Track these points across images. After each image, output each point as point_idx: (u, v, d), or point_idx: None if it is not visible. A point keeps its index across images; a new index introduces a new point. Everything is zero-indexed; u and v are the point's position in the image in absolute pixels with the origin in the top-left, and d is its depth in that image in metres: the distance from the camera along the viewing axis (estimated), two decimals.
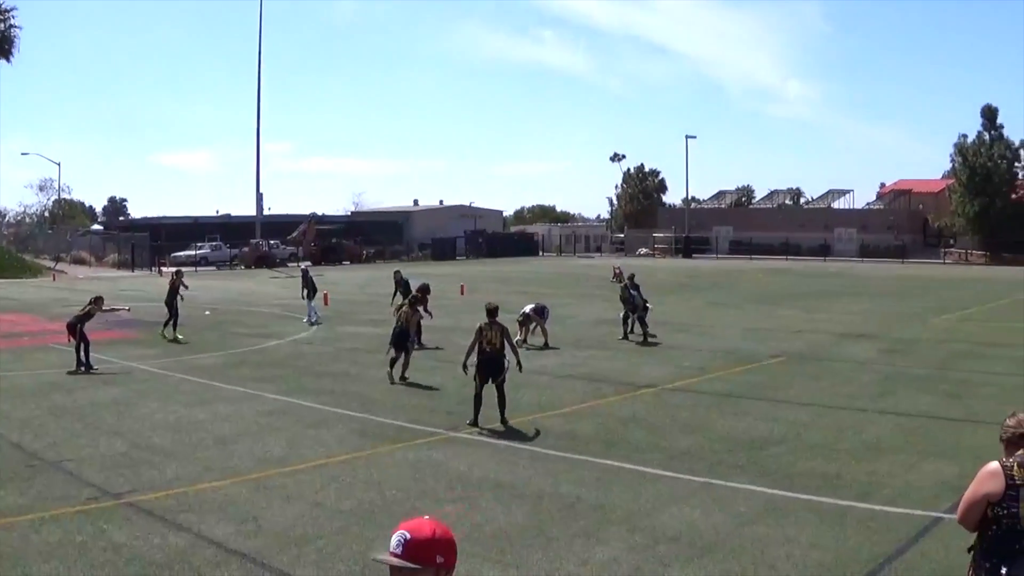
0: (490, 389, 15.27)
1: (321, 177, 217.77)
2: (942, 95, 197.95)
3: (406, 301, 22.15)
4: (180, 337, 26.38)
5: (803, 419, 15.81)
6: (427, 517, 3.45)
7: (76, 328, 20.97)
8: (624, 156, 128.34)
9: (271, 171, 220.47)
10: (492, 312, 15.67)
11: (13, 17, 78.38)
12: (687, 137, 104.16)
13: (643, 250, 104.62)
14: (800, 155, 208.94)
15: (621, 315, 26.92)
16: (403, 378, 19.61)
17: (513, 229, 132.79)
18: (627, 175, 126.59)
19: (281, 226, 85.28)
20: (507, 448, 13.87)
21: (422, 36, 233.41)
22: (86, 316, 21.51)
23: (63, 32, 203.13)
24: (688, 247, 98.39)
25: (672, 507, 10.89)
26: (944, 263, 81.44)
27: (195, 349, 24.58)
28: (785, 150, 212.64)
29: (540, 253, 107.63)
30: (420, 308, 21.78)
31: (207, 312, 33.98)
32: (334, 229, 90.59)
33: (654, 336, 26.05)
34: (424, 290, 24.83)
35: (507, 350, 15.54)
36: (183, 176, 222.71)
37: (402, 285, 30.26)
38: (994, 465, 5.55)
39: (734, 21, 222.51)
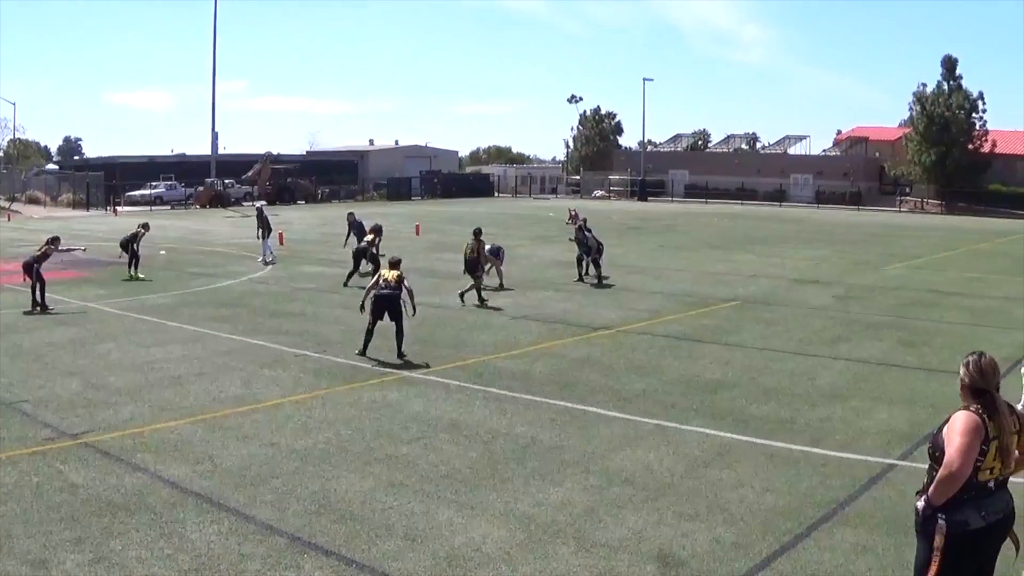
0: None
1: (277, 116, 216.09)
2: (902, 44, 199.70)
3: (473, 236, 22.98)
4: (142, 276, 26.60)
5: (757, 364, 15.98)
6: None
7: (32, 268, 20.78)
8: (581, 98, 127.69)
9: (227, 110, 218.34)
10: (395, 263, 16.74)
11: None
12: (644, 80, 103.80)
13: (599, 192, 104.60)
14: (757, 101, 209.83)
15: (576, 256, 27.02)
16: (481, 301, 22.13)
17: (469, 170, 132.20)
18: (584, 117, 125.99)
19: (236, 165, 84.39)
20: (462, 389, 13.96)
21: None
22: (42, 256, 21.33)
23: None
24: (644, 190, 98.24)
25: (626, 449, 11.04)
26: (900, 211, 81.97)
27: (151, 289, 24.43)
28: (742, 95, 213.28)
29: (496, 194, 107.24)
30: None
31: (162, 252, 33.71)
32: (289, 169, 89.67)
33: (607, 278, 26.24)
34: (376, 231, 24.81)
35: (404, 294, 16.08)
36: (138, 115, 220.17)
37: (355, 227, 30.16)
38: (975, 418, 5.59)
39: None
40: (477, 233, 22.94)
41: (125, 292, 23.75)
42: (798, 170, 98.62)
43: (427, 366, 15.37)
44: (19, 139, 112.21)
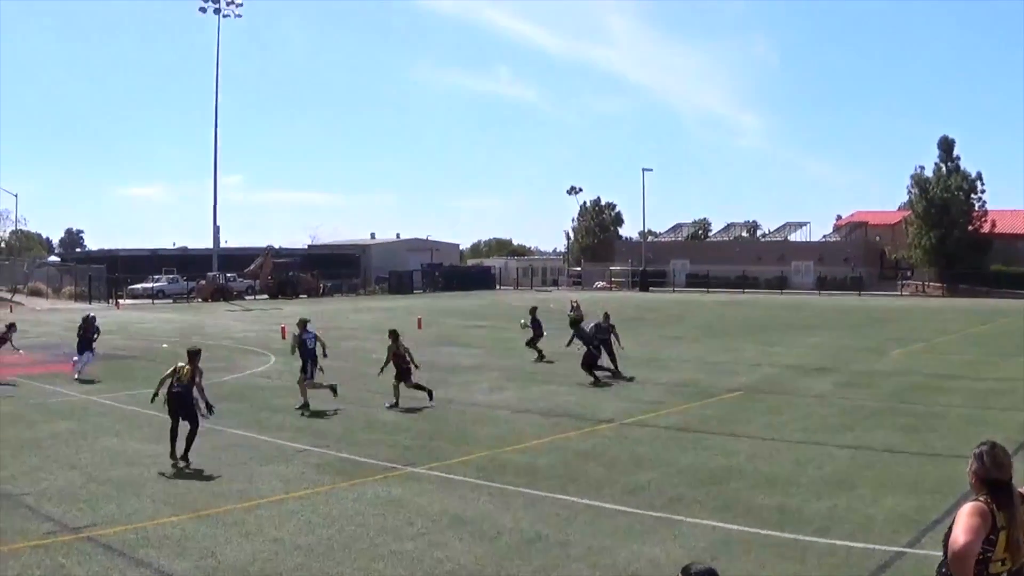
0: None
1: (277, 210, 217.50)
2: (898, 127, 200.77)
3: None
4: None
5: (762, 453, 15.88)
6: None
7: None
8: (581, 189, 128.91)
9: (227, 204, 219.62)
10: (192, 354, 15.76)
11: None
12: (643, 170, 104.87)
13: (600, 283, 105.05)
14: (757, 188, 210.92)
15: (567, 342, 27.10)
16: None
17: (470, 263, 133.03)
18: (584, 208, 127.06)
19: (238, 259, 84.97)
20: (466, 483, 13.86)
21: (376, 70, 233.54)
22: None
23: (19, 65, 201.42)
24: (645, 280, 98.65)
25: (632, 543, 10.92)
26: (901, 295, 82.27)
27: (153, 383, 24.32)
28: (741, 183, 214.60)
29: (497, 286, 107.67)
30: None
31: (164, 346, 33.76)
32: (291, 262, 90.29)
33: (608, 376, 25.58)
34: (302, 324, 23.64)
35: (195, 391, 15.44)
36: (140, 208, 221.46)
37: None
38: (983, 506, 5.57)
39: (686, 54, 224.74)
40: (394, 335, 21.83)
41: (126, 386, 23.73)
42: (799, 257, 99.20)
43: (431, 461, 15.27)
44: (21, 231, 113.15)
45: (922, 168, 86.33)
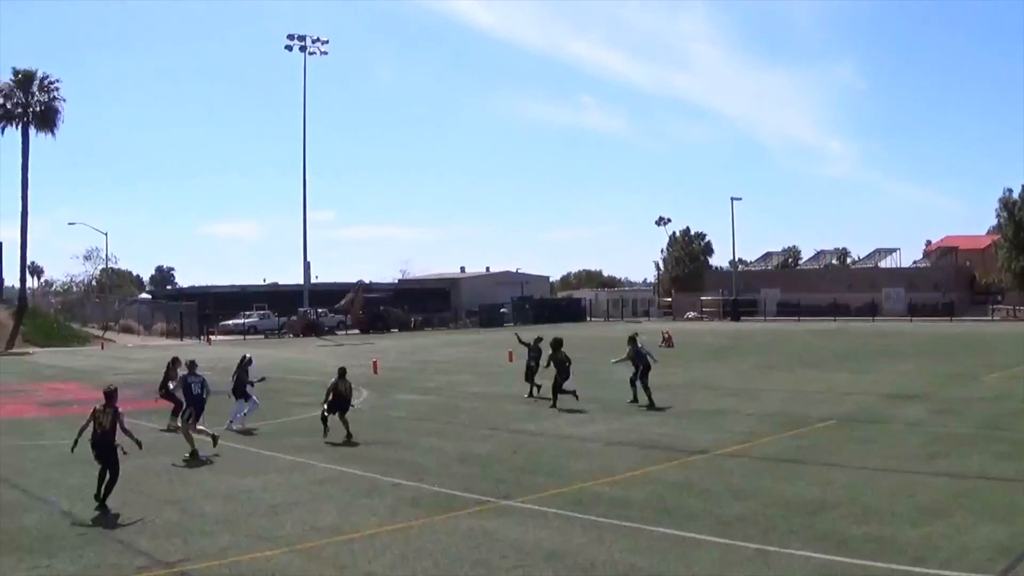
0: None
1: (366, 245, 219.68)
2: (986, 149, 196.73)
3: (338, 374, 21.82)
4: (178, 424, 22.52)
5: (855, 483, 15.51)
6: None
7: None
8: (669, 219, 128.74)
9: (316, 239, 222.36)
10: (109, 395, 14.98)
11: (56, 90, 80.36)
12: (732, 199, 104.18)
13: (691, 314, 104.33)
14: (846, 214, 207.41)
15: (629, 377, 26.68)
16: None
17: (560, 295, 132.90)
18: (673, 238, 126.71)
19: (328, 294, 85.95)
20: (560, 516, 13.63)
21: (462, 103, 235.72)
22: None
23: (109, 105, 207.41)
24: (736, 310, 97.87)
25: (726, 575, 10.67)
26: (992, 320, 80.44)
27: (247, 418, 24.56)
28: (830, 210, 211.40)
29: (587, 318, 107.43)
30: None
31: (260, 380, 33.99)
32: (382, 297, 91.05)
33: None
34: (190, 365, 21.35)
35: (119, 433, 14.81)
36: (230, 245, 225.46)
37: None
38: None
39: (770, 81, 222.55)
40: (341, 372, 21.87)
41: (220, 421, 23.88)
42: (889, 283, 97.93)
43: (525, 493, 15.07)
44: (112, 268, 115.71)
45: (1010, 191, 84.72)
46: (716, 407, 25.51)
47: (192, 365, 20.55)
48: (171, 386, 22.75)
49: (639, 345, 26.23)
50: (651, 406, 25.30)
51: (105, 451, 14.54)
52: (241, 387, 23.50)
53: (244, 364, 23.94)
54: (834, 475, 16.19)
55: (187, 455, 18.96)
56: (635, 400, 26.00)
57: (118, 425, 14.74)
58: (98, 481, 14.63)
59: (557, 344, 26.41)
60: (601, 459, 18.31)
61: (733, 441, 20.03)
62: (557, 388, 25.87)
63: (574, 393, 25.99)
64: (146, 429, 21.62)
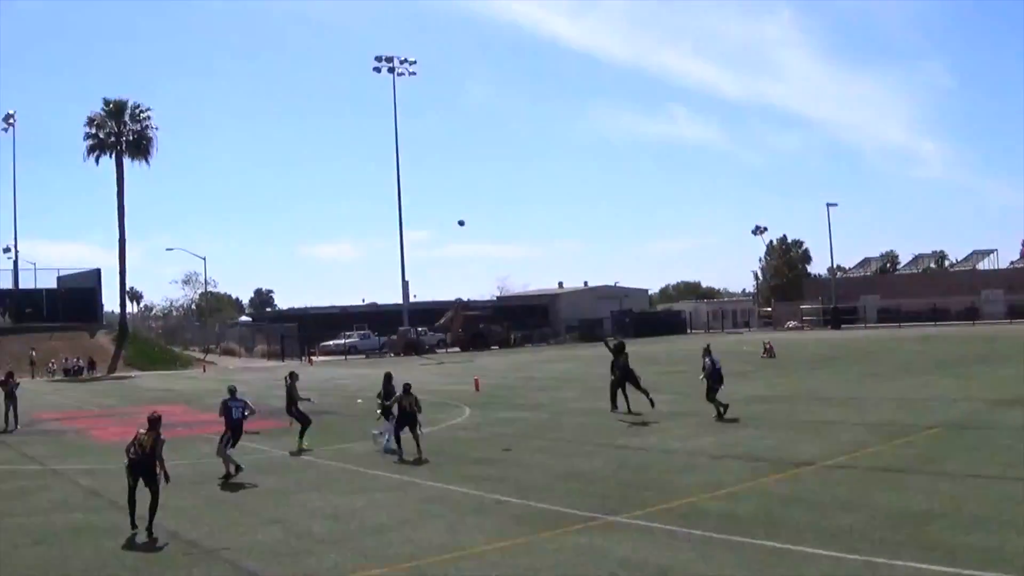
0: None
1: (463, 263, 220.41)
2: None
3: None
4: (306, 445, 23.30)
5: (963, 492, 15.04)
6: None
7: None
8: (766, 228, 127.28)
9: (413, 259, 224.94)
10: (152, 421, 14.67)
11: (148, 119, 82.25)
12: (828, 205, 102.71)
13: (791, 323, 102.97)
14: (942, 216, 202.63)
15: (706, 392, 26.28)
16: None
17: (659, 307, 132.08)
18: (770, 247, 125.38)
19: (427, 313, 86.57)
20: (667, 532, 13.37)
21: (553, 118, 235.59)
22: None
23: (205, 130, 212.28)
24: (837, 318, 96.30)
25: None
26: None
27: (350, 438, 24.69)
28: (926, 212, 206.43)
29: (688, 331, 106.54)
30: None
31: (359, 401, 34.22)
32: (481, 314, 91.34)
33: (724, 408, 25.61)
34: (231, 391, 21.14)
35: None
36: (328, 266, 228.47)
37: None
38: None
39: (859, 83, 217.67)
40: (406, 388, 21.92)
41: (324, 441, 24.00)
42: (988, 285, 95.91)
43: (632, 509, 14.81)
44: (211, 292, 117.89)
45: None
46: (821, 417, 25.02)
47: (233, 391, 20.35)
48: (298, 403, 23.44)
49: (712, 357, 26.20)
50: (719, 416, 25.25)
51: (147, 472, 14.28)
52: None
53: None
54: (941, 484, 15.73)
55: (222, 476, 19.02)
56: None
57: (156, 452, 14.39)
58: (129, 507, 14.37)
59: (619, 349, 27.96)
60: (707, 473, 17.98)
61: (839, 451, 19.56)
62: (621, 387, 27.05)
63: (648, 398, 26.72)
64: (250, 449, 21.79)
